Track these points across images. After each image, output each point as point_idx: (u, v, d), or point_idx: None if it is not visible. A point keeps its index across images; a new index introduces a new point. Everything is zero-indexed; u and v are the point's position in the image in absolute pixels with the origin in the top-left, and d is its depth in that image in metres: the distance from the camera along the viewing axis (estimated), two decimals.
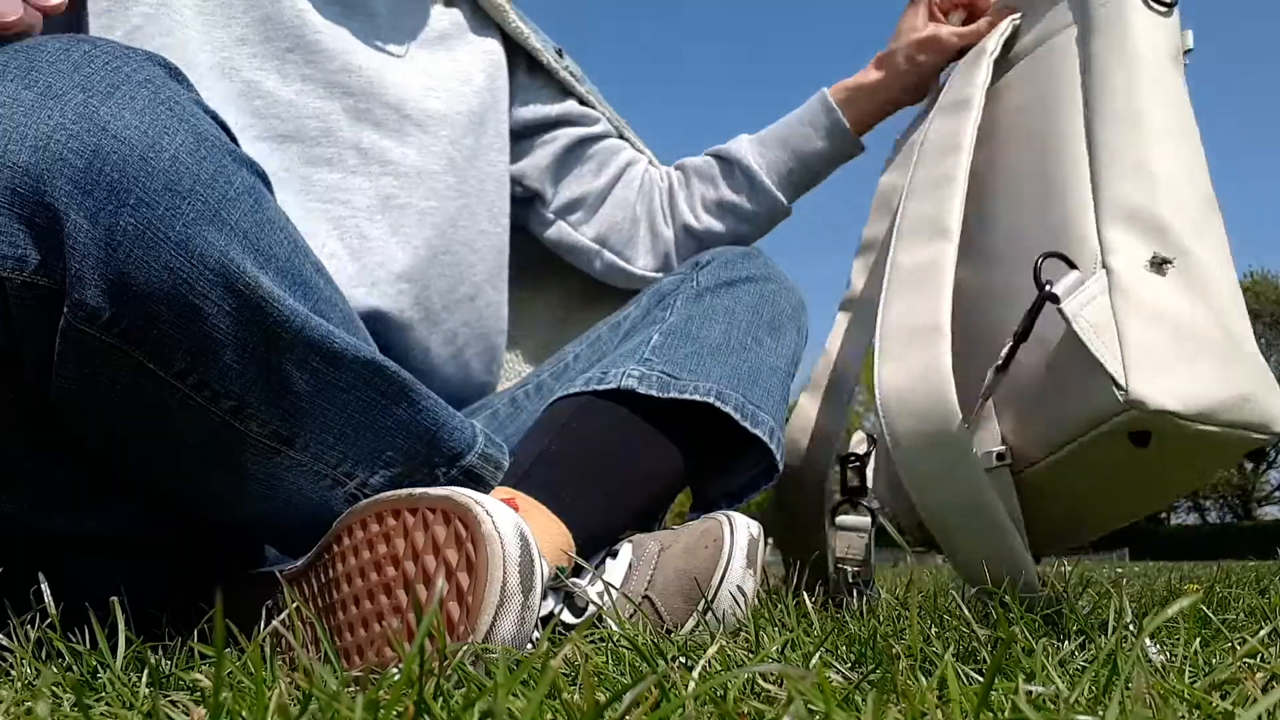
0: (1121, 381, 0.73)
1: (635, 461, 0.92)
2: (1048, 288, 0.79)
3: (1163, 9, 0.91)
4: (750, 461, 0.98)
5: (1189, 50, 0.92)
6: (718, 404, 0.91)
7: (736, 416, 0.92)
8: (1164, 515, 32.16)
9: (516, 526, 0.57)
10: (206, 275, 0.59)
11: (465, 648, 0.53)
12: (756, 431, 0.94)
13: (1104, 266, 0.80)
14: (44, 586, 0.65)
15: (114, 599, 0.57)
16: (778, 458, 0.96)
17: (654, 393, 0.90)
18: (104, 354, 0.59)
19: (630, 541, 0.83)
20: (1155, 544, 27.30)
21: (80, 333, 0.58)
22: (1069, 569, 0.99)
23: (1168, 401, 0.72)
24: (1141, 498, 0.82)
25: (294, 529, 0.71)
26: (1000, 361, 0.82)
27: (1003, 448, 0.84)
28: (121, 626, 0.54)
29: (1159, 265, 0.79)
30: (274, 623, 0.59)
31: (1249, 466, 28.75)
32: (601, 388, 0.92)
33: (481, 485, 0.72)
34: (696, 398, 0.91)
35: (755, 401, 0.95)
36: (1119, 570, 2.57)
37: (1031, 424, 0.83)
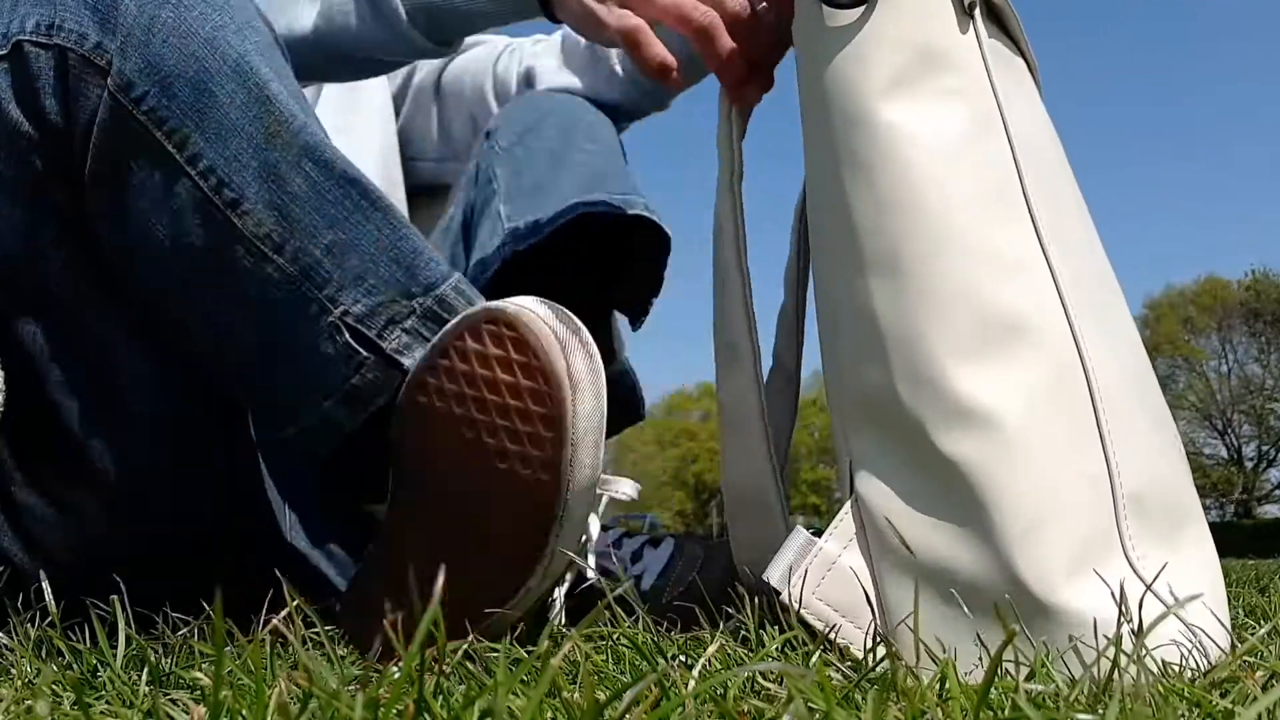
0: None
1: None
2: (766, 577, 0.59)
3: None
4: (645, 246, 1.01)
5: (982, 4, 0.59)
6: (585, 204, 0.94)
7: (614, 201, 0.95)
8: None
9: (544, 306, 0.65)
10: (224, 69, 0.70)
11: (463, 646, 0.53)
12: (635, 211, 0.96)
13: (852, 490, 0.58)
14: (44, 585, 0.65)
15: (114, 597, 0.57)
16: (665, 229, 0.99)
17: (533, 240, 0.94)
18: (132, 136, 0.70)
19: (674, 538, 0.83)
20: None
21: (116, 104, 0.69)
22: None
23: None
24: None
25: (282, 386, 0.73)
26: None
27: None
28: (121, 625, 0.54)
29: (915, 483, 0.55)
30: (274, 621, 0.59)
31: (1249, 465, 28.77)
32: (492, 272, 0.95)
33: (450, 312, 0.73)
34: (565, 212, 0.93)
35: (616, 190, 0.97)
36: None
37: None
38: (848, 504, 0.58)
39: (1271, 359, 29.69)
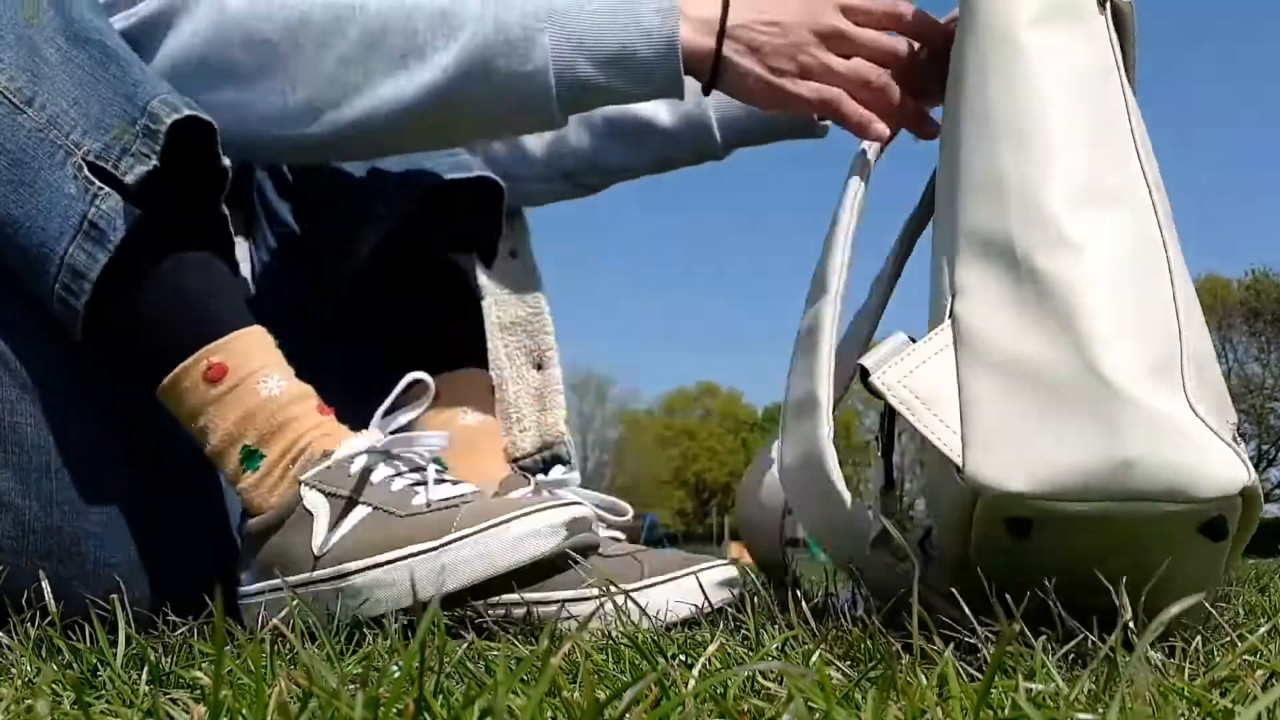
0: (958, 460, 0.60)
1: None
2: (859, 359, 0.66)
3: None
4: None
5: None
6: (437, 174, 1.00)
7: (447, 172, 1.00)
8: None
9: None
10: None
11: (465, 646, 0.53)
12: (475, 173, 1.00)
13: (950, 315, 0.67)
14: (45, 585, 0.65)
15: (114, 596, 0.57)
16: (499, 183, 1.02)
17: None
18: None
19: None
20: None
21: None
22: None
23: (1014, 481, 0.58)
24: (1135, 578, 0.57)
25: (35, 236, 0.79)
26: (884, 482, 0.72)
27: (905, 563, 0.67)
28: (122, 624, 0.54)
29: (1010, 298, 0.64)
30: (274, 620, 0.59)
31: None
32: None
33: (159, 124, 0.78)
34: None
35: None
36: None
37: (934, 514, 0.70)
38: (945, 321, 0.66)
39: (1271, 358, 29.71)
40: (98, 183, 0.78)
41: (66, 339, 0.81)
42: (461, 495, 0.78)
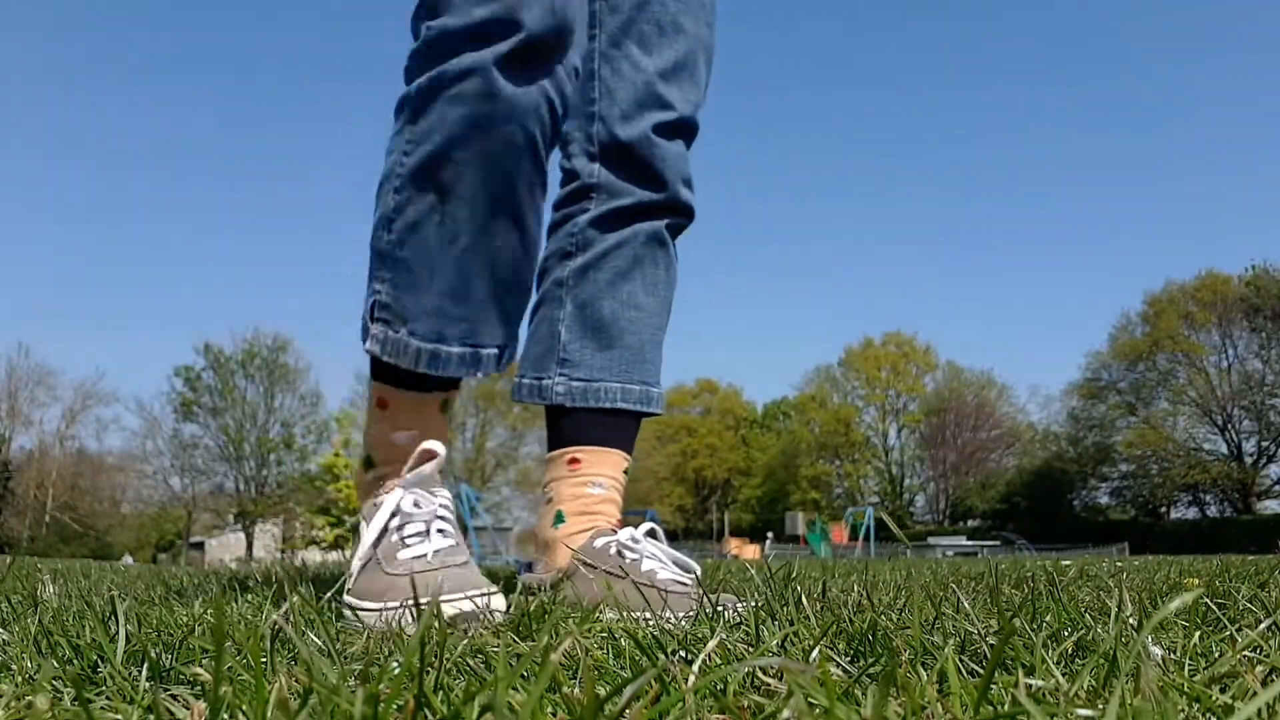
0: None
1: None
2: None
3: None
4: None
5: None
6: (624, 406, 1.27)
7: (633, 404, 1.29)
8: (1164, 510, 32.17)
9: None
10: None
11: (465, 641, 0.53)
12: (651, 409, 1.31)
13: None
14: (46, 582, 0.65)
15: (114, 594, 0.57)
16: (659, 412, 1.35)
17: (578, 405, 1.27)
18: None
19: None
20: (1155, 539, 27.35)
21: None
22: (1069, 564, 0.99)
23: None
24: None
25: None
26: None
27: None
28: (122, 621, 0.54)
29: None
30: (275, 617, 0.59)
31: (1249, 460, 28.74)
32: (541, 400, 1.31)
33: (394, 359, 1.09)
34: (603, 399, 1.27)
35: (647, 377, 1.31)
36: (1118, 564, 2.57)
37: None
38: None
39: (1272, 354, 29.67)
40: (370, 319, 1.05)
41: None
42: (438, 552, 0.97)
